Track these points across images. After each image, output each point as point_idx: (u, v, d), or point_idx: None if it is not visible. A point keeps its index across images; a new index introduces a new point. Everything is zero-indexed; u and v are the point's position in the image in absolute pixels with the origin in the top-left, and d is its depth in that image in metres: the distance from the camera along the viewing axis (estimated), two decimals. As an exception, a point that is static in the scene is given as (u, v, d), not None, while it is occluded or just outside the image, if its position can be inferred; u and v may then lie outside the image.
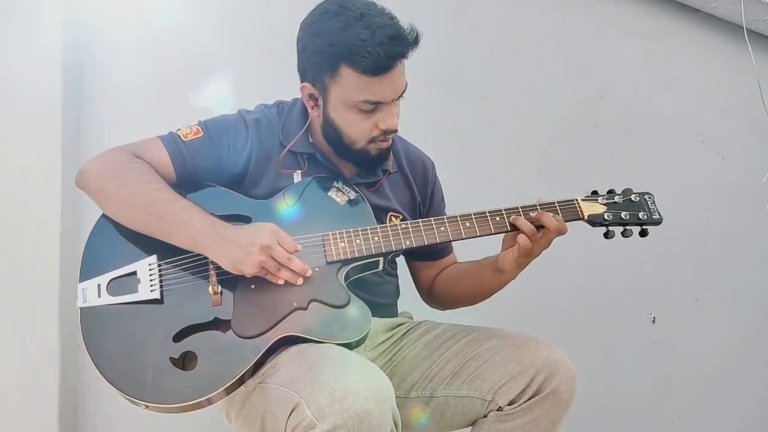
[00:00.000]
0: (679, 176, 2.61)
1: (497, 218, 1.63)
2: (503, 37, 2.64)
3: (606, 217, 1.66)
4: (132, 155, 1.61)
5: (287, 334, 1.51)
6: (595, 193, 1.70)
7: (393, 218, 1.75)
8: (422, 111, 2.41)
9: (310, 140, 1.72)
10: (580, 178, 2.54)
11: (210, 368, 1.47)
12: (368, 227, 1.61)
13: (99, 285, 1.55)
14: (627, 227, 1.66)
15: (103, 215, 1.62)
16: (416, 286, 1.93)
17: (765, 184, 2.57)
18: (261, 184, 1.66)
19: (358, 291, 1.58)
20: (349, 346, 1.51)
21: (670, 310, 2.65)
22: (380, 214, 1.73)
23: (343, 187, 1.68)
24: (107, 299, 1.54)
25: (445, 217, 1.65)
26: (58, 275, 2.43)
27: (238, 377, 1.47)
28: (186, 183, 1.63)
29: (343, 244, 1.59)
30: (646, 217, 1.67)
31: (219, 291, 1.54)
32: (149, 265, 1.56)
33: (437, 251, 1.88)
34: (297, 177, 1.68)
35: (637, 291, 2.64)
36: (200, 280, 1.55)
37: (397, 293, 1.85)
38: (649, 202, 1.68)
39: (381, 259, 1.63)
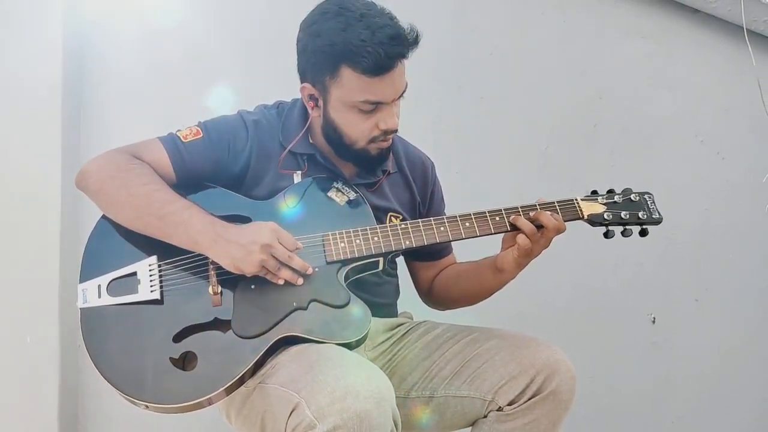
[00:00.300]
0: (679, 176, 2.61)
1: (497, 218, 1.63)
2: (503, 37, 2.64)
3: (606, 216, 1.66)
4: (132, 156, 1.61)
5: (287, 334, 1.51)
6: (594, 192, 1.70)
7: (393, 218, 1.75)
8: (422, 111, 2.41)
9: (310, 141, 1.72)
10: (580, 178, 2.54)
11: (210, 368, 1.47)
12: (368, 227, 1.61)
13: (99, 286, 1.55)
14: (627, 227, 1.67)
15: (103, 216, 1.62)
16: (416, 287, 1.93)
17: (765, 184, 2.57)
18: (261, 185, 1.66)
19: (358, 291, 1.58)
20: (349, 346, 1.51)
21: (670, 310, 2.65)
22: (380, 214, 1.73)
23: (343, 188, 1.68)
24: (107, 300, 1.54)
25: (444, 217, 1.65)
26: (58, 275, 2.43)
27: (238, 377, 1.47)
28: (186, 184, 1.63)
29: (342, 245, 1.59)
30: (645, 216, 1.67)
31: (219, 291, 1.54)
32: (149, 265, 1.56)
33: (437, 251, 1.88)
34: (297, 177, 1.68)
35: (637, 291, 2.64)
36: (200, 281, 1.55)
37: (397, 293, 1.86)
38: (648, 202, 1.69)
39: (381, 259, 1.63)
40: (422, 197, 1.85)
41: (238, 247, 1.48)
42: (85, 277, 1.57)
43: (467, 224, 1.63)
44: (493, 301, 1.81)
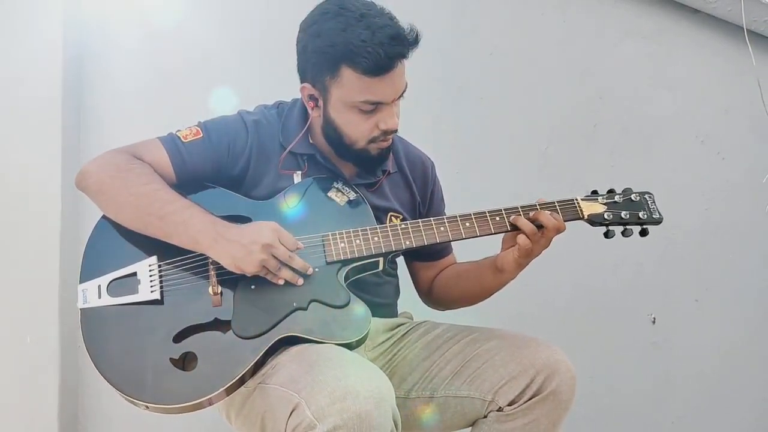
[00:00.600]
0: (679, 176, 2.61)
1: (497, 218, 1.63)
2: (503, 37, 2.64)
3: (606, 216, 1.66)
4: (132, 156, 1.61)
5: (287, 335, 1.51)
6: (595, 192, 1.70)
7: (393, 218, 1.75)
8: (422, 111, 2.41)
9: (310, 141, 1.72)
10: (580, 178, 2.54)
11: (210, 369, 1.47)
12: (368, 227, 1.61)
13: (99, 286, 1.55)
14: (627, 227, 1.67)
15: (104, 216, 1.62)
16: (415, 287, 1.93)
17: (765, 185, 2.57)
18: (261, 185, 1.66)
19: (358, 291, 1.58)
20: (349, 346, 1.51)
21: (670, 310, 2.65)
22: (380, 214, 1.73)
23: (343, 188, 1.68)
24: (107, 300, 1.54)
25: (444, 217, 1.65)
26: (58, 275, 2.42)
27: (238, 378, 1.47)
28: (186, 184, 1.63)
29: (342, 245, 1.59)
30: (646, 216, 1.67)
31: (219, 291, 1.54)
32: (149, 265, 1.56)
33: (437, 251, 1.88)
34: (297, 178, 1.68)
35: (637, 291, 2.64)
36: (200, 281, 1.55)
37: (397, 293, 1.85)
38: (649, 202, 1.69)
39: (381, 259, 1.63)
40: (422, 197, 1.85)
41: (238, 246, 1.48)
42: (85, 277, 1.57)
43: (467, 224, 1.63)
44: (493, 301, 1.81)
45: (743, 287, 2.63)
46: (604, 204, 1.67)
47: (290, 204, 1.63)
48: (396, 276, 1.84)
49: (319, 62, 1.58)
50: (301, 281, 1.54)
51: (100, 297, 1.54)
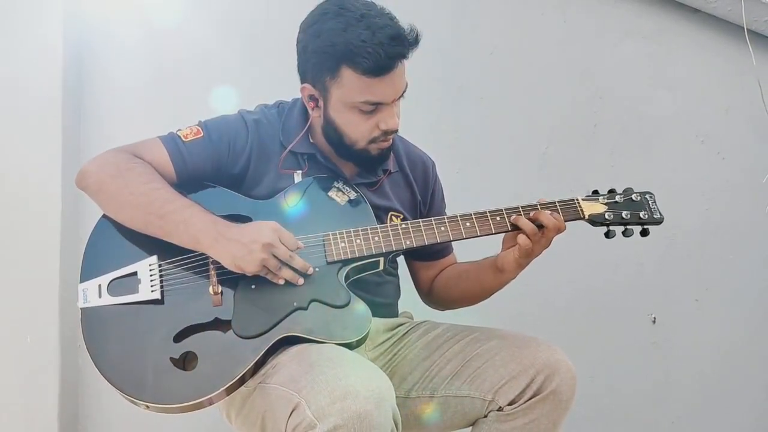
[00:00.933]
0: (679, 176, 2.61)
1: (498, 218, 1.63)
2: (503, 37, 2.64)
3: (607, 216, 1.66)
4: (132, 155, 1.61)
5: (288, 334, 1.51)
6: (595, 192, 1.70)
7: (393, 218, 1.75)
8: (422, 111, 2.41)
9: (311, 140, 1.72)
10: (580, 178, 2.53)
11: (210, 368, 1.47)
12: (368, 227, 1.61)
13: (100, 285, 1.55)
14: (628, 227, 1.66)
15: (104, 216, 1.62)
16: (416, 287, 1.93)
17: (765, 185, 2.57)
18: (261, 185, 1.66)
19: (359, 291, 1.58)
20: (349, 346, 1.51)
21: (670, 310, 2.65)
22: (381, 213, 1.73)
23: (344, 187, 1.68)
24: (108, 300, 1.54)
25: (445, 216, 1.65)
26: (58, 275, 2.43)
27: (238, 377, 1.47)
28: (186, 183, 1.63)
29: (343, 244, 1.59)
30: (647, 216, 1.67)
31: (219, 291, 1.54)
32: (150, 265, 1.56)
33: (437, 251, 1.88)
34: (297, 177, 1.68)
35: (637, 291, 2.64)
36: (201, 281, 1.55)
37: (398, 293, 1.85)
38: (650, 202, 1.68)
39: (381, 259, 1.63)
40: (423, 197, 1.85)
41: (239, 245, 1.48)
42: (85, 276, 1.57)
43: (468, 224, 1.63)
44: (493, 301, 1.81)
45: (743, 287, 2.63)
46: (605, 204, 1.67)
47: (291, 203, 1.63)
48: (396, 276, 1.84)
49: (320, 62, 1.58)
50: (301, 281, 1.54)
51: (100, 296, 1.54)
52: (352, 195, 1.68)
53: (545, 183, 2.60)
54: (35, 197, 2.46)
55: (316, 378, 1.37)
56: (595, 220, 1.66)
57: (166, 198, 1.54)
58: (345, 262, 1.59)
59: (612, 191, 1.70)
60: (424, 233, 1.62)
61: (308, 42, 1.60)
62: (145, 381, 1.47)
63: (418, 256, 1.88)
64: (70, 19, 2.46)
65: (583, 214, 1.65)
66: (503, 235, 1.67)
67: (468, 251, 1.86)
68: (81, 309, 1.54)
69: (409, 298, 1.92)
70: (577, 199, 1.67)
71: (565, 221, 1.63)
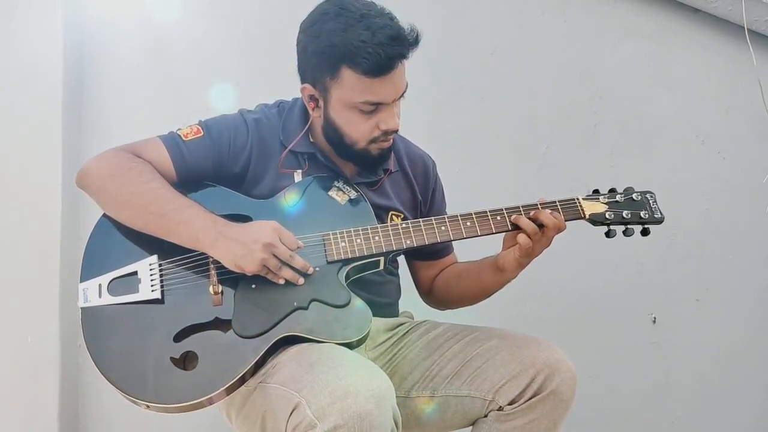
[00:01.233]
0: (680, 176, 2.61)
1: (498, 217, 1.63)
2: (503, 37, 2.64)
3: (607, 216, 1.66)
4: (132, 155, 1.61)
5: (288, 334, 1.51)
6: (596, 192, 1.70)
7: (394, 217, 1.75)
8: (422, 111, 2.41)
9: (311, 140, 1.72)
10: (580, 178, 2.53)
11: (211, 368, 1.47)
12: (369, 227, 1.61)
13: (100, 285, 1.55)
14: (629, 226, 1.67)
15: (104, 215, 1.62)
16: (416, 286, 1.93)
17: (765, 185, 2.57)
18: (261, 184, 1.66)
19: (359, 290, 1.58)
20: (349, 345, 1.51)
21: (671, 310, 2.65)
22: (381, 213, 1.73)
23: (344, 187, 1.68)
24: (108, 299, 1.54)
25: (445, 216, 1.65)
26: (58, 275, 2.42)
27: (238, 377, 1.47)
28: (186, 182, 1.63)
29: (343, 244, 1.59)
30: (647, 216, 1.67)
31: (219, 291, 1.54)
32: (150, 265, 1.56)
33: (437, 251, 1.88)
34: (297, 176, 1.68)
35: (638, 291, 2.64)
36: (201, 280, 1.55)
37: (398, 293, 1.85)
38: (650, 201, 1.68)
39: (382, 258, 1.63)
40: (423, 196, 1.85)
41: (239, 245, 1.48)
42: (85, 276, 1.57)
43: (468, 223, 1.63)
44: (493, 301, 1.81)
45: (743, 287, 2.63)
46: (605, 203, 1.67)
47: (291, 203, 1.63)
48: (397, 275, 1.84)
49: (320, 63, 1.58)
50: (301, 281, 1.54)
51: (100, 296, 1.54)
52: (353, 194, 1.68)
53: (545, 183, 2.60)
54: (35, 197, 2.45)
55: (316, 378, 1.37)
56: (596, 220, 1.66)
57: (166, 197, 1.54)
58: (345, 262, 1.59)
59: (612, 191, 1.70)
60: (424, 233, 1.62)
61: (308, 42, 1.60)
62: (145, 380, 1.47)
63: (418, 255, 1.88)
64: (70, 19, 2.45)
65: (583, 213, 1.66)
66: (503, 234, 1.67)
67: (468, 251, 1.86)
68: (81, 308, 1.54)
69: (410, 298, 1.92)
70: (578, 199, 1.67)
71: (566, 221, 1.63)
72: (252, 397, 1.53)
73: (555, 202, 1.65)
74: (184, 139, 1.64)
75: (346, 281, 1.58)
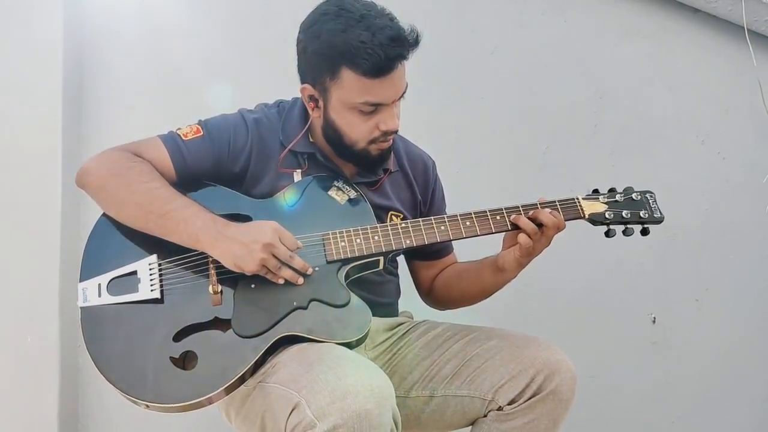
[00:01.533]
0: (680, 176, 2.61)
1: (498, 217, 1.63)
2: (503, 37, 2.64)
3: (607, 215, 1.66)
4: (132, 154, 1.61)
5: (287, 334, 1.51)
6: (596, 191, 1.70)
7: (394, 217, 1.75)
8: (422, 111, 2.41)
9: (311, 140, 1.71)
10: (580, 178, 2.53)
11: (210, 368, 1.47)
12: (368, 226, 1.61)
13: (99, 284, 1.55)
14: (628, 226, 1.66)
15: (104, 215, 1.62)
16: (416, 286, 1.93)
17: (765, 185, 2.57)
18: (261, 184, 1.66)
19: (359, 290, 1.58)
20: (349, 345, 1.51)
21: (671, 310, 2.65)
22: (381, 213, 1.73)
23: (344, 186, 1.68)
24: (108, 299, 1.54)
25: (445, 216, 1.65)
26: (58, 275, 2.42)
27: (238, 377, 1.47)
28: (186, 182, 1.63)
29: (343, 244, 1.59)
30: (647, 215, 1.67)
31: (219, 290, 1.54)
32: (149, 264, 1.56)
33: (437, 251, 1.87)
34: (297, 176, 1.68)
35: (638, 291, 2.64)
36: (200, 280, 1.55)
37: (398, 292, 1.85)
38: (650, 201, 1.68)
39: (381, 258, 1.63)
40: (423, 196, 1.85)
41: (239, 245, 1.48)
42: (85, 275, 1.57)
43: (468, 223, 1.63)
44: (493, 301, 1.81)
45: (743, 287, 2.63)
46: (605, 203, 1.67)
47: (290, 202, 1.63)
48: (397, 275, 1.84)
49: (319, 63, 1.58)
50: (301, 280, 1.54)
51: (100, 296, 1.54)
52: (352, 194, 1.68)
53: (545, 183, 2.60)
54: (35, 196, 2.46)
55: (316, 377, 1.37)
56: (596, 220, 1.66)
57: (166, 197, 1.54)
58: (345, 262, 1.59)
59: (612, 190, 1.70)
60: (424, 232, 1.62)
61: (308, 43, 1.60)
62: (145, 380, 1.47)
63: (418, 255, 1.88)
64: (70, 19, 2.45)
65: (583, 213, 1.65)
66: (503, 234, 1.67)
67: (468, 251, 1.86)
68: (81, 308, 1.54)
69: (409, 298, 1.92)
70: (578, 198, 1.67)
71: (566, 220, 1.63)
72: (251, 396, 1.53)
73: (555, 201, 1.65)
74: (183, 138, 1.64)
75: (345, 281, 1.58)
